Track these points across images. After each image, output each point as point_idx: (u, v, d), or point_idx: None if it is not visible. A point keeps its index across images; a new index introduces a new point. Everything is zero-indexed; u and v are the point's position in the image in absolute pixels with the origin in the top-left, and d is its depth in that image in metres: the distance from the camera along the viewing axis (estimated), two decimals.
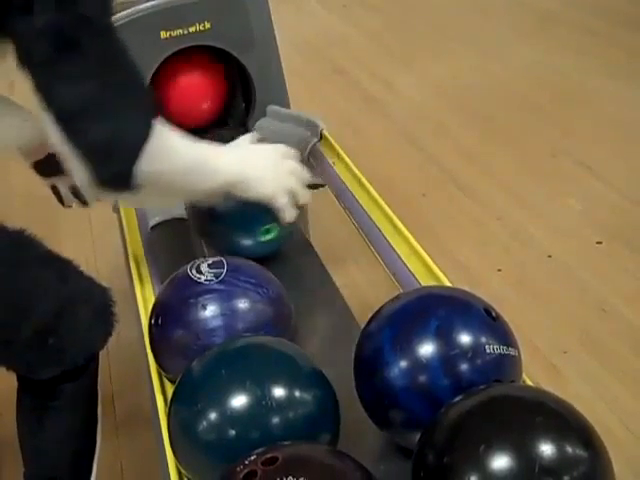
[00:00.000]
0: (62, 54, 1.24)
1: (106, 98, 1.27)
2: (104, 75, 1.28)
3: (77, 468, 1.58)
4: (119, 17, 2.24)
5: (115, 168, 1.30)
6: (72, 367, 1.49)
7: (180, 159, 1.41)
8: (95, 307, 1.52)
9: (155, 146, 1.32)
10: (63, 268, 1.51)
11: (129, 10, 2.27)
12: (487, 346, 1.19)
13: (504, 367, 1.20)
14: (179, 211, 2.06)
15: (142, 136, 1.30)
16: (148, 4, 2.32)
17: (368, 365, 1.24)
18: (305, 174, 1.63)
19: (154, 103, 1.36)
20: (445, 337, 1.19)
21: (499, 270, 2.46)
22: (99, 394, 1.61)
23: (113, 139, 1.28)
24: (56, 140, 1.30)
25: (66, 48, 1.24)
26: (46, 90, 1.27)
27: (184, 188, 1.47)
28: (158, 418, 1.33)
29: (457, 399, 1.10)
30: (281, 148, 1.62)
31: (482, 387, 1.11)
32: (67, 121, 1.27)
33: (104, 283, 1.55)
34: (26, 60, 1.26)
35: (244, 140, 1.64)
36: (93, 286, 1.54)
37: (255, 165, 1.54)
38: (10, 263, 1.43)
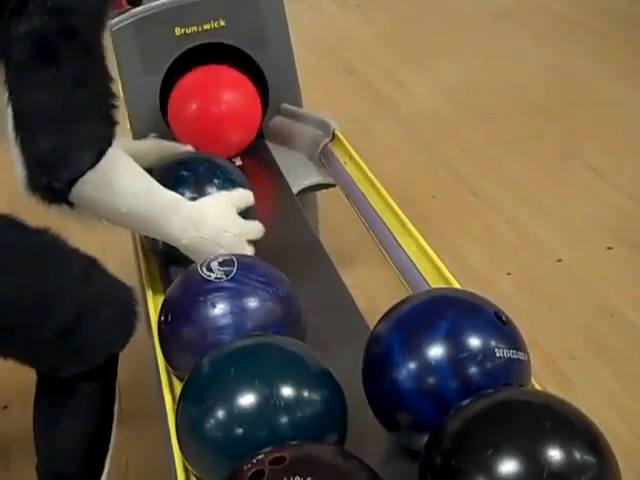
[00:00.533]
0: (37, 62, 1.28)
1: (63, 114, 1.29)
2: (70, 91, 1.30)
3: (90, 465, 1.58)
4: (134, 13, 2.25)
5: (48, 181, 1.31)
6: (92, 367, 1.50)
7: (126, 201, 1.42)
8: (117, 307, 1.52)
9: (101, 176, 1.34)
10: (86, 267, 1.52)
11: (144, 6, 2.27)
12: (497, 350, 1.19)
13: (513, 371, 1.20)
14: None
15: (85, 160, 1.31)
16: (163, 0, 2.33)
17: (377, 366, 1.24)
18: (254, 231, 1.60)
19: (112, 133, 1.36)
20: (454, 340, 1.19)
21: (508, 274, 2.45)
22: (117, 392, 1.61)
23: (54, 154, 1.30)
24: (11, 137, 1.33)
25: (43, 57, 1.28)
26: (13, 90, 1.31)
27: (123, 225, 1.52)
28: (166, 415, 1.33)
29: (465, 402, 1.10)
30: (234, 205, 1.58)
31: (490, 391, 1.11)
32: (20, 123, 1.31)
33: (127, 283, 1.55)
34: (3, 56, 1.30)
35: (218, 202, 1.58)
36: (116, 286, 1.54)
37: (207, 239, 1.53)
38: (34, 263, 1.44)
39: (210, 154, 1.80)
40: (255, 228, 1.59)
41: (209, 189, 1.64)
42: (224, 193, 1.61)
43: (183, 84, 2.22)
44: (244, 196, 1.61)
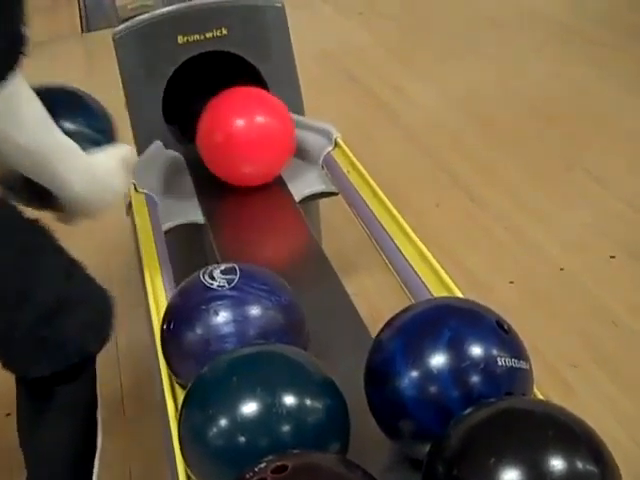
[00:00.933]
0: None
1: None
2: None
3: (76, 472, 1.58)
4: (137, 21, 2.25)
5: None
6: (66, 365, 1.49)
7: (27, 132, 1.31)
8: (95, 309, 1.52)
9: (1, 100, 1.24)
10: (70, 265, 1.51)
11: (147, 14, 2.28)
12: (499, 358, 1.19)
13: (515, 380, 1.20)
14: (194, 216, 2.07)
15: None
16: (166, 9, 2.34)
17: (379, 375, 1.24)
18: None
19: (16, 59, 1.25)
20: (457, 348, 1.19)
21: (511, 282, 2.45)
22: (99, 398, 1.61)
23: None
24: None
25: None
26: None
27: (19, 161, 1.38)
28: (168, 423, 1.33)
29: (468, 411, 1.10)
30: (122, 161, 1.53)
31: (493, 400, 1.11)
32: None
33: (107, 289, 1.55)
34: None
35: (112, 155, 1.53)
36: (96, 289, 1.55)
37: (100, 191, 1.48)
38: (22, 247, 1.43)
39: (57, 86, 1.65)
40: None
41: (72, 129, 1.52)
42: (114, 150, 1.54)
43: (219, 111, 2.14)
44: (130, 154, 1.57)
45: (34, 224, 1.47)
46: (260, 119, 2.12)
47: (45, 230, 1.48)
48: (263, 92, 2.20)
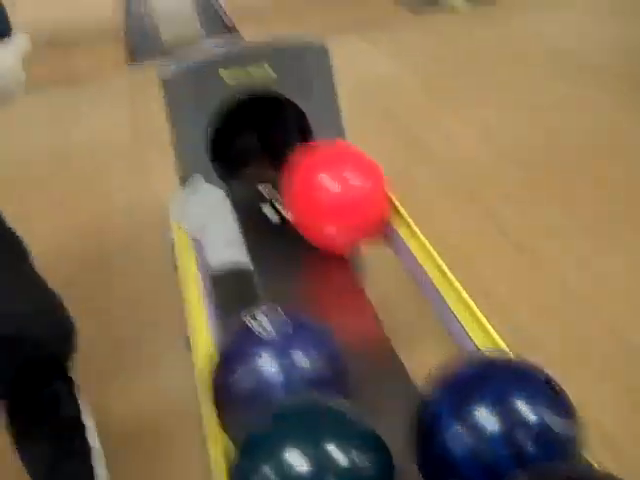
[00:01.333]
0: None
1: None
2: None
3: (74, 470, 1.64)
4: (185, 59, 2.27)
5: None
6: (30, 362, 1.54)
7: None
8: (56, 323, 1.59)
9: None
10: (38, 280, 1.57)
11: (195, 52, 2.31)
12: (548, 419, 1.18)
13: (565, 442, 1.19)
14: (239, 258, 2.06)
15: None
16: (214, 48, 2.36)
17: (426, 431, 1.23)
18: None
19: None
20: (506, 408, 1.19)
21: (558, 335, 2.36)
22: (82, 406, 1.66)
23: None
24: None
25: None
26: None
27: None
28: (215, 473, 1.32)
29: (519, 475, 1.08)
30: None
31: (546, 465, 1.09)
32: None
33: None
34: None
35: (13, 47, 1.59)
36: (60, 309, 1.60)
37: (5, 82, 1.53)
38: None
39: None
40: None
41: None
42: (14, 41, 1.59)
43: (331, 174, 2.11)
44: (27, 44, 1.61)
45: (10, 232, 1.53)
46: (370, 195, 2.09)
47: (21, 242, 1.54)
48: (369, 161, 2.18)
